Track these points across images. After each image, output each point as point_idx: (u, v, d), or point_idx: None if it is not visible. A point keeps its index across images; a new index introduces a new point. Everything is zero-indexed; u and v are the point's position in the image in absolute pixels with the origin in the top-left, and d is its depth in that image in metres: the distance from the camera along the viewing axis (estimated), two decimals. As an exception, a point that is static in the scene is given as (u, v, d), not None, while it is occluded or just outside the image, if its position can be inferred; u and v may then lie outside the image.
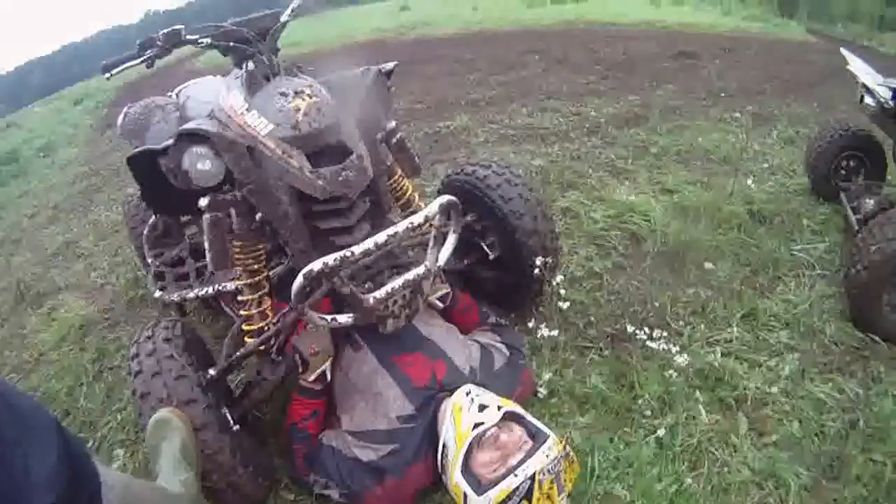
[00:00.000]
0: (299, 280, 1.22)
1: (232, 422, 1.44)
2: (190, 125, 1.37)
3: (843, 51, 2.56)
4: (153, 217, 2.49)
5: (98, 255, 3.63)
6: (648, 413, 1.70)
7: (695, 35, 8.20)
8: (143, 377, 1.38)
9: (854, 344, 1.98)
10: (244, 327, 1.59)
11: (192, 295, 2.04)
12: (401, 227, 1.31)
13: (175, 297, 2.10)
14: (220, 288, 1.94)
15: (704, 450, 1.60)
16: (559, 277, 2.05)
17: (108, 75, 1.41)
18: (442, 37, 9.11)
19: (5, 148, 7.99)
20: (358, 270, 1.44)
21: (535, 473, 1.21)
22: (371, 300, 1.33)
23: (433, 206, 1.36)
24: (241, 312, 1.60)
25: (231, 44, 1.46)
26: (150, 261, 2.40)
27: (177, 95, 2.38)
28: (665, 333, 1.95)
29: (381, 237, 1.27)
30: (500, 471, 1.27)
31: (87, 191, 5.05)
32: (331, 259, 1.21)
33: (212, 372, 1.47)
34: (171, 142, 1.36)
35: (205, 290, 1.99)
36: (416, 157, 1.81)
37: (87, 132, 7.74)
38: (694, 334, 2.02)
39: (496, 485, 1.23)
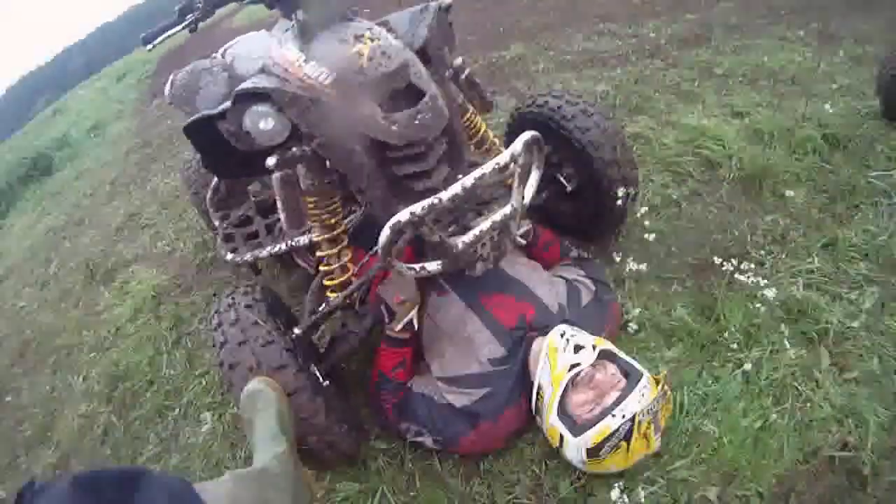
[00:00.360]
0: (386, 232, 1.19)
1: (322, 379, 1.47)
2: (246, 84, 1.31)
3: None
4: (215, 180, 2.48)
5: (162, 223, 3.73)
6: (734, 346, 1.69)
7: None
8: (229, 347, 1.37)
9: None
10: (325, 282, 1.60)
11: (264, 253, 2.05)
12: (487, 168, 1.26)
13: (248, 257, 2.13)
14: (293, 242, 1.95)
15: (788, 384, 1.59)
16: (643, 208, 2.01)
17: (149, 46, 1.38)
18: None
19: (55, 134, 8.29)
20: (441, 213, 1.39)
21: (635, 415, 1.22)
22: (460, 245, 1.30)
23: (517, 144, 1.29)
24: (322, 267, 1.61)
25: None
26: (216, 223, 2.42)
27: (222, 56, 2.31)
28: (751, 265, 1.91)
29: (468, 181, 1.23)
30: (595, 411, 1.29)
31: (142, 162, 5.17)
32: (418, 208, 1.18)
33: (297, 332, 1.49)
34: (228, 104, 1.32)
35: (277, 246, 2.00)
36: (486, 93, 1.76)
37: (134, 105, 7.88)
38: (776, 264, 1.96)
39: (594, 425, 1.26)
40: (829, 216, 2.17)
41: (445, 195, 1.20)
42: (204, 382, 2.23)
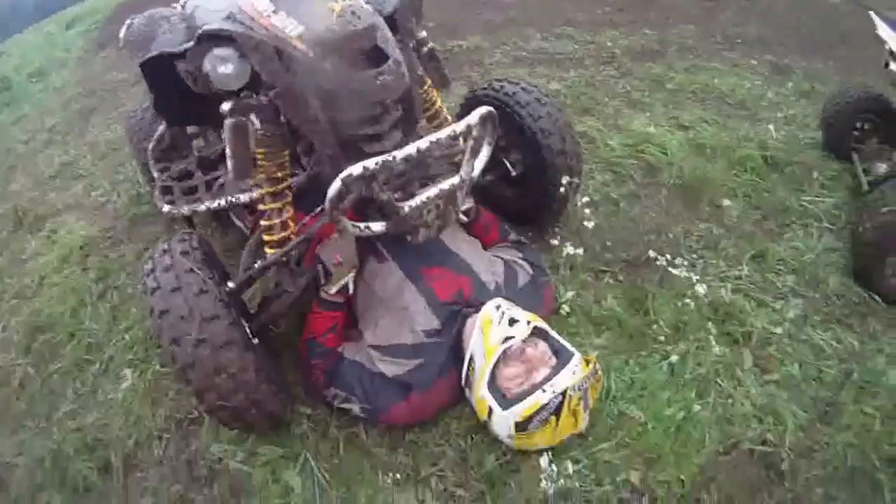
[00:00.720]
0: (336, 184, 1.18)
1: (251, 337, 1.44)
2: (212, 26, 1.28)
3: (873, 15, 2.51)
4: (160, 130, 2.41)
5: (97, 175, 3.55)
6: (662, 339, 1.78)
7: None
8: (160, 293, 1.32)
9: (854, 299, 2.02)
10: (265, 237, 1.56)
11: (203, 207, 2.00)
12: (443, 133, 1.28)
13: (185, 209, 2.06)
14: (233, 199, 1.91)
15: (712, 380, 1.69)
16: (584, 199, 2.07)
17: None
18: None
19: None
20: (391, 176, 1.38)
21: (566, 390, 1.25)
22: (406, 208, 1.31)
23: (473, 117, 1.32)
24: (263, 222, 1.56)
25: None
26: (156, 175, 2.33)
27: (182, 7, 2.26)
28: (684, 263, 2.02)
29: (423, 143, 1.24)
30: (525, 385, 1.32)
31: (82, 112, 4.90)
32: (371, 163, 1.18)
33: (231, 286, 1.45)
34: (190, 44, 1.29)
35: (217, 201, 1.95)
36: (445, 70, 1.76)
37: (80, 54, 7.34)
38: (707, 268, 2.08)
39: (524, 399, 1.28)
40: (761, 231, 2.31)
41: (399, 154, 1.22)
42: (127, 338, 2.15)
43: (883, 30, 2.41)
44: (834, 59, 4.40)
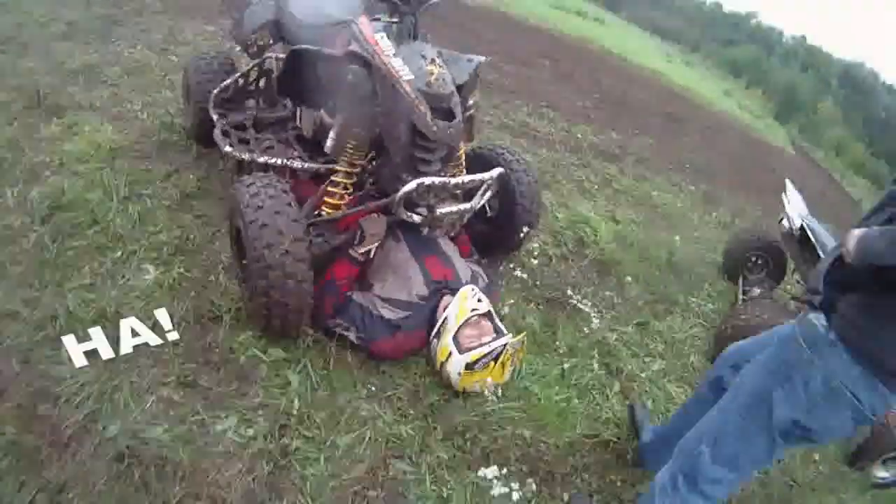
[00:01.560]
0: (412, 185, 1.98)
1: None
2: (357, 49, 2.04)
3: (788, 182, 3.43)
4: (227, 81, 2.92)
5: (124, 87, 3.81)
6: (561, 352, 2.62)
7: (690, 101, 9.40)
8: (265, 211, 1.89)
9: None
10: (326, 199, 2.25)
11: (262, 160, 2.56)
12: (478, 177, 2.14)
13: (245, 155, 2.59)
14: (286, 161, 2.55)
15: (589, 390, 2.50)
16: (530, 247, 2.95)
17: None
18: (471, 5, 9.56)
19: None
20: (438, 190, 2.14)
21: (506, 345, 2.07)
22: (439, 212, 2.11)
23: (494, 173, 2.22)
24: (329, 188, 2.26)
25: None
26: (215, 118, 2.84)
27: None
28: (590, 306, 2.93)
29: (467, 178, 2.11)
30: (474, 343, 2.12)
31: (106, 19, 5.06)
32: (437, 180, 2.00)
33: (307, 221, 2.11)
34: (339, 52, 2.03)
35: (275, 159, 2.54)
36: (473, 127, 2.55)
37: None
38: (603, 317, 2.97)
39: (476, 348, 2.08)
40: (649, 309, 3.24)
41: (452, 181, 2.04)
42: (152, 240, 2.50)
43: (790, 195, 3.24)
44: (762, 201, 5.54)
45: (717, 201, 5.32)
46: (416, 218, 2.15)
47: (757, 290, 3.46)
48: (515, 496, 2.01)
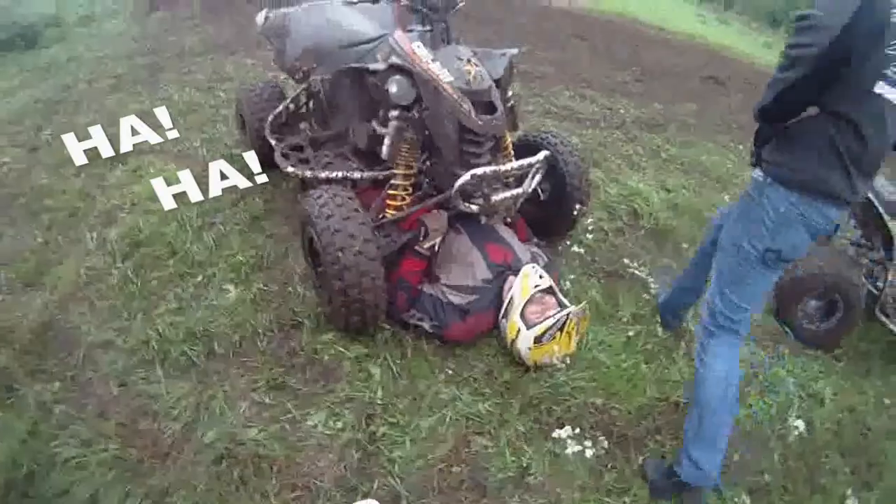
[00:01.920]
0: (466, 177, 2.14)
1: None
2: (398, 60, 2.22)
3: None
4: (279, 108, 3.20)
5: (180, 128, 3.97)
6: (624, 321, 2.69)
7: (729, 60, 9.10)
8: (335, 219, 2.09)
9: (771, 329, 2.92)
10: (389, 202, 2.44)
11: (323, 175, 2.76)
12: (525, 161, 2.27)
13: (307, 173, 2.81)
14: (347, 174, 2.75)
15: (655, 354, 2.56)
16: (586, 225, 3.02)
17: None
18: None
19: (43, 10, 8.19)
20: (490, 179, 2.29)
21: (568, 314, 2.18)
22: (494, 200, 2.25)
23: (540, 156, 2.35)
24: (390, 192, 2.45)
25: (423, 9, 2.34)
26: (273, 143, 3.08)
27: (304, 11, 3.11)
28: (647, 270, 3.00)
29: (515, 164, 2.26)
30: (540, 318, 2.23)
31: (150, 68, 5.48)
32: (489, 169, 2.15)
33: (373, 224, 2.29)
34: (382, 66, 2.22)
35: (336, 173, 2.74)
36: (516, 117, 2.68)
37: (131, 10, 8.12)
38: (664, 284, 2.98)
39: (542, 322, 2.19)
40: None
41: (503, 168, 2.19)
42: (230, 262, 2.71)
43: None
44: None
45: None
46: (474, 207, 2.30)
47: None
48: (589, 453, 2.11)
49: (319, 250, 2.20)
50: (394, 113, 2.27)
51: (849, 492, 2.21)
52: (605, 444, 2.16)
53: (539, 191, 2.84)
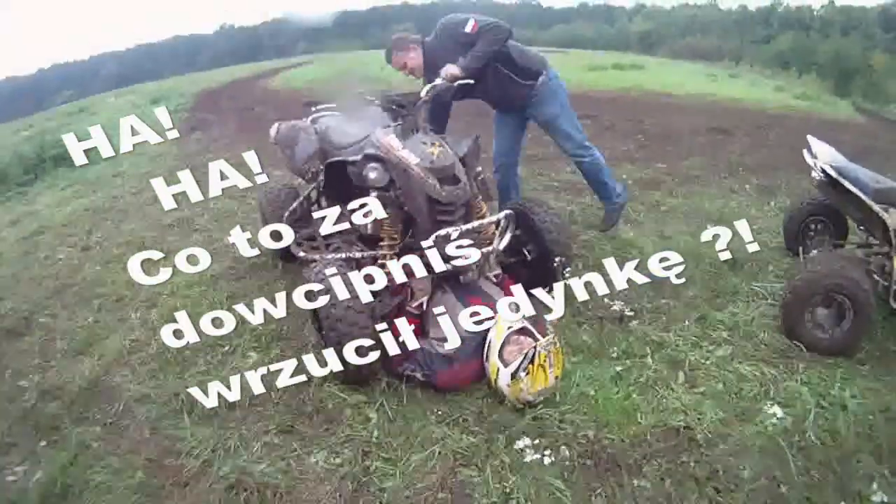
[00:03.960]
0: (433, 239, 2.47)
1: None
2: (371, 151, 2.69)
3: (809, 138, 3.28)
4: (293, 205, 3.69)
5: (214, 230, 4.66)
6: (614, 356, 2.81)
7: (737, 110, 9.37)
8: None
9: (781, 347, 2.81)
10: None
11: (329, 256, 3.08)
12: (486, 221, 2.66)
13: (316, 256, 3.19)
14: (349, 254, 3.09)
15: (650, 384, 2.60)
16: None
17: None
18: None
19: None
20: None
21: (536, 346, 2.35)
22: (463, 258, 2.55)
23: (501, 214, 2.74)
24: (380, 261, 2.80)
25: (394, 106, 2.81)
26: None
27: (312, 121, 3.68)
28: (641, 310, 3.13)
29: (475, 223, 2.62)
30: (516, 356, 2.41)
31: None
32: (452, 229, 2.49)
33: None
34: (359, 157, 2.67)
35: (340, 254, 3.09)
36: (489, 189, 3.08)
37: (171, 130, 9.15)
38: (659, 321, 3.11)
39: (516, 360, 2.38)
40: (709, 304, 3.26)
41: (465, 227, 2.54)
42: (253, 335, 3.05)
43: (814, 147, 3.17)
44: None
45: (774, 191, 5.22)
46: (448, 266, 2.58)
47: (816, 249, 3.39)
48: (574, 477, 2.20)
49: (318, 311, 2.52)
50: (372, 194, 2.69)
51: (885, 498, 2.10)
52: (593, 466, 2.24)
53: (525, 252, 3.15)
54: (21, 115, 15.60)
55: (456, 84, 3.20)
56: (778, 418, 2.41)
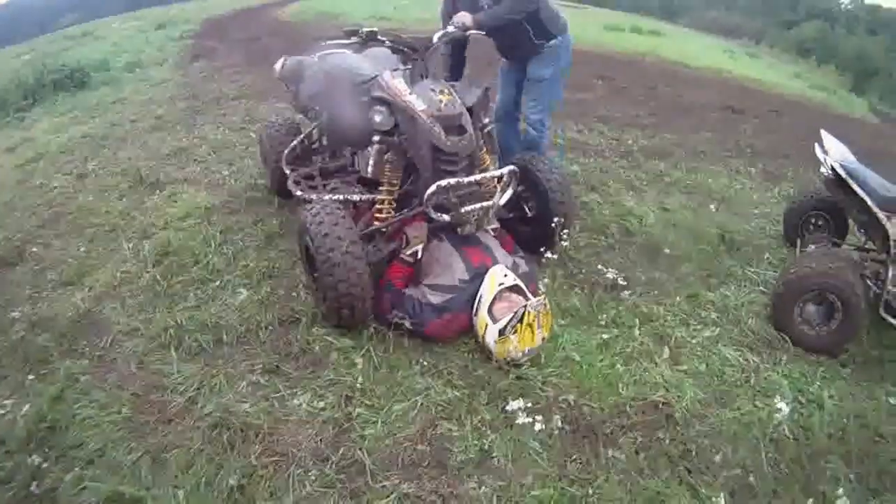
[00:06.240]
0: (433, 188, 2.40)
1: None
2: (379, 93, 2.56)
3: (823, 132, 3.23)
4: (293, 143, 3.59)
5: (212, 161, 4.59)
6: (602, 324, 2.79)
7: (752, 91, 9.18)
8: (326, 224, 2.38)
9: (767, 337, 2.83)
10: (376, 215, 2.73)
11: (326, 197, 2.99)
12: (489, 174, 2.54)
13: (313, 195, 3.11)
14: (347, 196, 3.03)
15: (634, 356, 2.61)
16: (577, 243, 3.18)
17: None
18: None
19: (93, 55, 9.16)
20: (459, 191, 2.56)
21: (525, 306, 2.33)
22: (465, 209, 2.50)
23: (506, 169, 2.61)
24: (377, 206, 2.74)
25: (404, 48, 2.68)
26: (288, 172, 3.44)
27: (318, 58, 3.48)
28: (633, 289, 3.08)
29: (478, 176, 2.51)
30: (507, 314, 2.40)
31: (189, 110, 6.03)
32: (453, 180, 2.40)
33: (360, 232, 2.56)
34: (366, 99, 2.54)
35: (338, 196, 3.03)
36: (496, 142, 2.97)
37: (175, 58, 8.90)
38: (651, 293, 3.09)
39: (504, 317, 2.36)
40: (701, 283, 3.26)
41: (465, 180, 2.45)
42: (244, 271, 3.07)
43: (826, 142, 3.10)
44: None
45: (780, 178, 5.15)
46: (446, 217, 2.56)
47: (812, 246, 3.31)
48: (552, 440, 2.21)
49: (314, 253, 2.46)
50: (376, 137, 2.61)
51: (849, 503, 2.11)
52: (570, 433, 2.25)
53: (526, 208, 3.09)
54: (26, 38, 15.05)
55: (468, 34, 3.06)
56: (755, 407, 2.43)
